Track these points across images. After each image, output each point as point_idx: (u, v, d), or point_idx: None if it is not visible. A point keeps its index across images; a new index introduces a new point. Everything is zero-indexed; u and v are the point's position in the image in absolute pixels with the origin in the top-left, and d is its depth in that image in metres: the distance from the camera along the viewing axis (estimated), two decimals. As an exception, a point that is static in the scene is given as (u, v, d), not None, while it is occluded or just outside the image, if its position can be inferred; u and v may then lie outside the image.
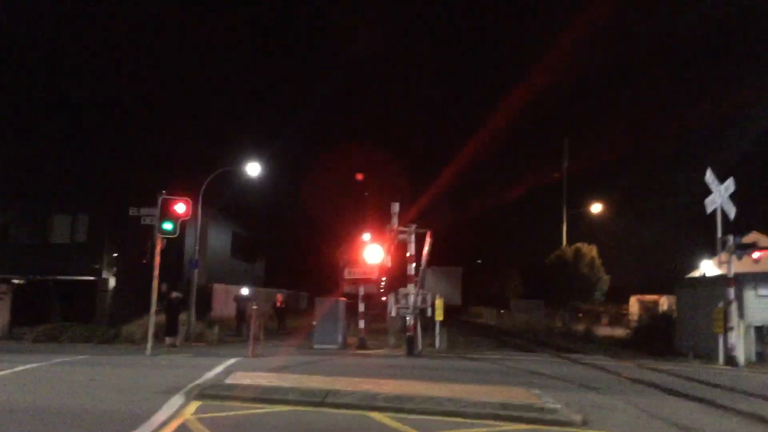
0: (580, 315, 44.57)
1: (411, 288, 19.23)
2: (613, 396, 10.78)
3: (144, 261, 18.73)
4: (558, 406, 8.82)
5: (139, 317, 21.84)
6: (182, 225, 18.15)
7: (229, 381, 10.71)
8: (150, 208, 18.01)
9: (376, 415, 8.38)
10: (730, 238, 17.95)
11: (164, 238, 17.60)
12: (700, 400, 10.54)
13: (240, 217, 43.12)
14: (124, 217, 19.86)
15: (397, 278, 24.86)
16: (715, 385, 12.45)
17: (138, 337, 21.11)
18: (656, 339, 23.85)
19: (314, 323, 20.95)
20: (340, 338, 20.46)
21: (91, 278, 30.62)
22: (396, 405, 8.82)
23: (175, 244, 21.72)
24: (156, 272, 17.46)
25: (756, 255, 17.92)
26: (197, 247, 25.34)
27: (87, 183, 33.87)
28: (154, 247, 17.83)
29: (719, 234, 18.24)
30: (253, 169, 25.76)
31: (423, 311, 20.08)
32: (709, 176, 18.44)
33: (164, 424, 7.67)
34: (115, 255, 31.06)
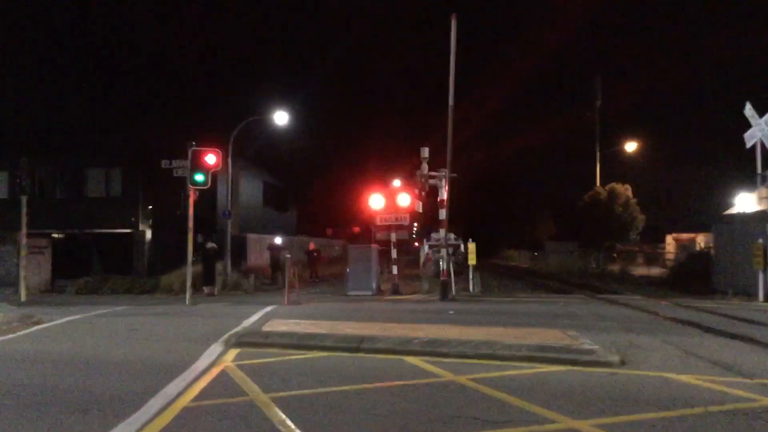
0: (615, 255, 44.22)
1: (443, 233, 19.17)
2: (650, 335, 10.68)
3: (178, 213, 18.97)
4: (595, 347, 8.77)
5: (177, 268, 22.26)
6: (214, 176, 18.22)
7: (266, 329, 10.88)
8: (181, 160, 18.07)
9: (411, 359, 8.43)
10: (771, 173, 17.43)
11: (197, 189, 17.72)
12: (740, 337, 10.38)
13: (270, 167, 43.26)
14: (157, 170, 20.00)
15: (429, 223, 24.83)
16: (755, 322, 12.25)
17: (176, 287, 21.57)
18: (694, 277, 23.54)
19: (348, 270, 21.11)
20: (373, 284, 20.62)
21: (128, 231, 31.18)
22: (431, 349, 8.86)
23: (207, 196, 21.94)
24: (191, 224, 17.64)
25: None
26: (229, 198, 25.59)
27: (119, 137, 34.17)
28: (187, 198, 17.98)
29: (759, 169, 17.71)
30: (281, 117, 25.68)
31: (456, 255, 20.06)
32: (749, 110, 17.82)
33: (205, 371, 7.82)
34: (150, 207, 31.51)
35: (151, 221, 31.58)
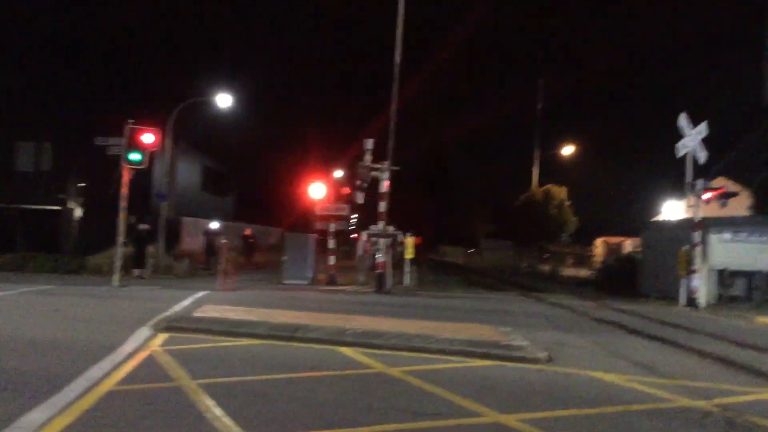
0: (547, 255, 45.39)
1: (382, 225, 19.23)
2: (577, 334, 11.02)
3: (111, 192, 18.37)
4: (524, 343, 8.98)
5: (106, 249, 21.58)
6: (150, 156, 17.74)
7: (197, 314, 10.67)
8: (117, 137, 17.50)
9: (345, 350, 8.42)
10: (699, 183, 18.17)
11: (132, 169, 17.20)
12: (661, 339, 10.82)
13: (211, 150, 42.32)
14: (90, 147, 19.28)
15: (368, 216, 24.85)
16: (676, 326, 12.78)
17: (105, 268, 20.90)
18: (620, 280, 24.40)
19: (284, 258, 20.93)
20: (309, 274, 20.51)
21: (57, 208, 30.00)
22: (365, 340, 8.88)
23: (143, 176, 21.27)
24: (123, 204, 17.13)
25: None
26: (166, 179, 24.98)
27: (52, 110, 32.73)
28: (121, 178, 17.44)
29: (689, 178, 18.44)
30: (224, 100, 25.20)
31: (393, 249, 20.16)
32: (683, 120, 18.48)
33: (131, 355, 7.61)
34: (82, 185, 30.39)
35: (81, 199, 30.46)
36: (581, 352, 9.26)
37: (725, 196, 18.18)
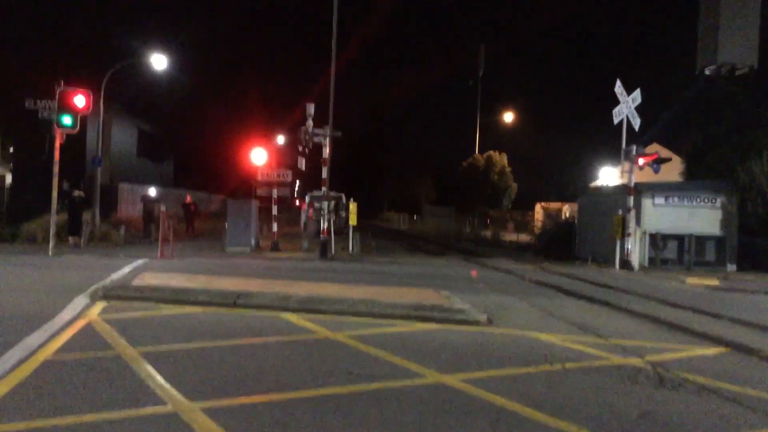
0: (489, 221, 46.19)
1: (324, 191, 19.15)
2: (516, 297, 11.31)
3: (43, 157, 17.66)
4: (465, 306, 9.17)
5: (39, 216, 20.77)
6: (83, 120, 17.08)
7: (136, 282, 10.46)
8: (48, 100, 16.76)
9: (288, 316, 8.42)
10: (633, 149, 18.75)
11: (64, 133, 16.54)
12: (597, 301, 11.23)
13: (147, 115, 41.08)
14: (19, 110, 18.43)
15: (311, 183, 24.69)
16: (611, 288, 13.27)
17: (39, 236, 20.14)
18: (558, 244, 25.04)
19: (226, 225, 20.63)
20: (252, 241, 20.31)
21: (-16, 174, 28.73)
22: (309, 306, 8.89)
23: (76, 141, 20.49)
24: (56, 169, 16.49)
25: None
26: (100, 144, 24.13)
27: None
28: (53, 142, 16.75)
29: (624, 144, 19.00)
30: (159, 61, 24.37)
31: (336, 215, 20.14)
32: (618, 87, 18.97)
33: (68, 324, 7.40)
34: (11, 150, 29.12)
35: (11, 164, 29.19)
36: (520, 313, 9.52)
37: (658, 162, 18.82)
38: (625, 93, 18.86)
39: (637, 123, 18.98)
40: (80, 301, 8.92)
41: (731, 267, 18.87)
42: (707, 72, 50.64)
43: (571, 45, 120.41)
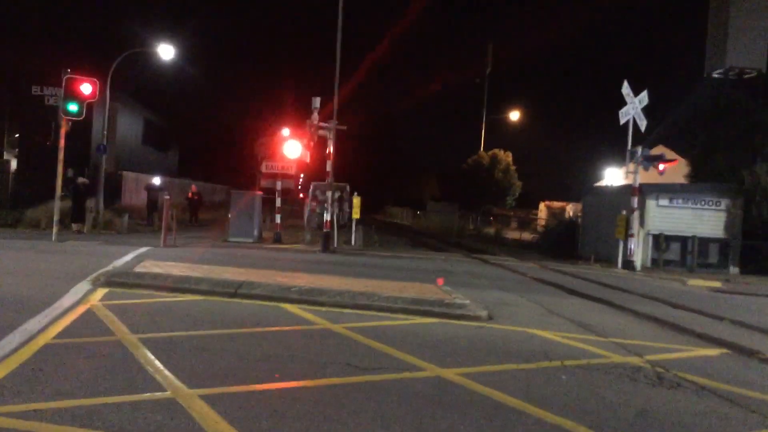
0: (492, 218, 46.14)
1: (329, 182, 19.14)
2: (518, 294, 11.31)
3: (48, 144, 17.68)
4: (466, 301, 9.16)
5: (44, 202, 20.82)
6: (89, 108, 17.12)
7: (138, 269, 10.47)
8: (54, 87, 16.77)
9: (289, 307, 8.43)
10: (639, 150, 18.70)
11: (70, 120, 16.57)
12: (598, 299, 11.22)
13: (153, 104, 41.12)
14: (26, 96, 18.45)
15: (316, 176, 24.68)
16: (613, 287, 13.26)
17: (43, 222, 20.20)
18: (561, 243, 25.04)
19: (230, 216, 20.65)
20: (255, 232, 20.32)
21: (-9, 159, 28.75)
22: (309, 297, 8.89)
23: (82, 128, 20.52)
24: (61, 156, 16.52)
25: (661, 167, 18.79)
26: (105, 132, 24.18)
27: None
28: (58, 129, 16.78)
29: (629, 145, 18.94)
30: (167, 51, 24.38)
31: (340, 208, 20.14)
32: (626, 88, 18.90)
33: (69, 309, 7.42)
34: (17, 136, 29.15)
35: (17, 150, 29.23)
36: (521, 310, 9.52)
37: (657, 159, 18.81)
38: (632, 94, 18.81)
39: (643, 124, 18.93)
40: (82, 287, 8.94)
41: (734, 269, 18.85)
42: (715, 75, 50.35)
43: (579, 45, 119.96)
